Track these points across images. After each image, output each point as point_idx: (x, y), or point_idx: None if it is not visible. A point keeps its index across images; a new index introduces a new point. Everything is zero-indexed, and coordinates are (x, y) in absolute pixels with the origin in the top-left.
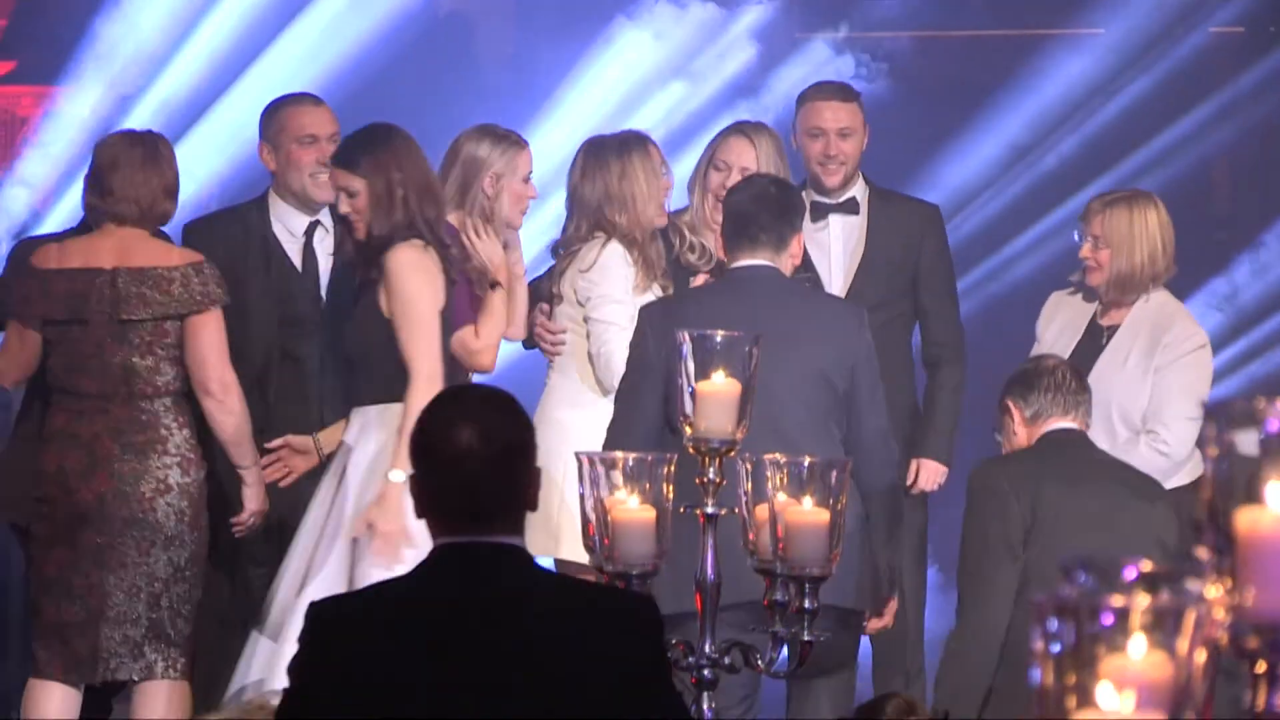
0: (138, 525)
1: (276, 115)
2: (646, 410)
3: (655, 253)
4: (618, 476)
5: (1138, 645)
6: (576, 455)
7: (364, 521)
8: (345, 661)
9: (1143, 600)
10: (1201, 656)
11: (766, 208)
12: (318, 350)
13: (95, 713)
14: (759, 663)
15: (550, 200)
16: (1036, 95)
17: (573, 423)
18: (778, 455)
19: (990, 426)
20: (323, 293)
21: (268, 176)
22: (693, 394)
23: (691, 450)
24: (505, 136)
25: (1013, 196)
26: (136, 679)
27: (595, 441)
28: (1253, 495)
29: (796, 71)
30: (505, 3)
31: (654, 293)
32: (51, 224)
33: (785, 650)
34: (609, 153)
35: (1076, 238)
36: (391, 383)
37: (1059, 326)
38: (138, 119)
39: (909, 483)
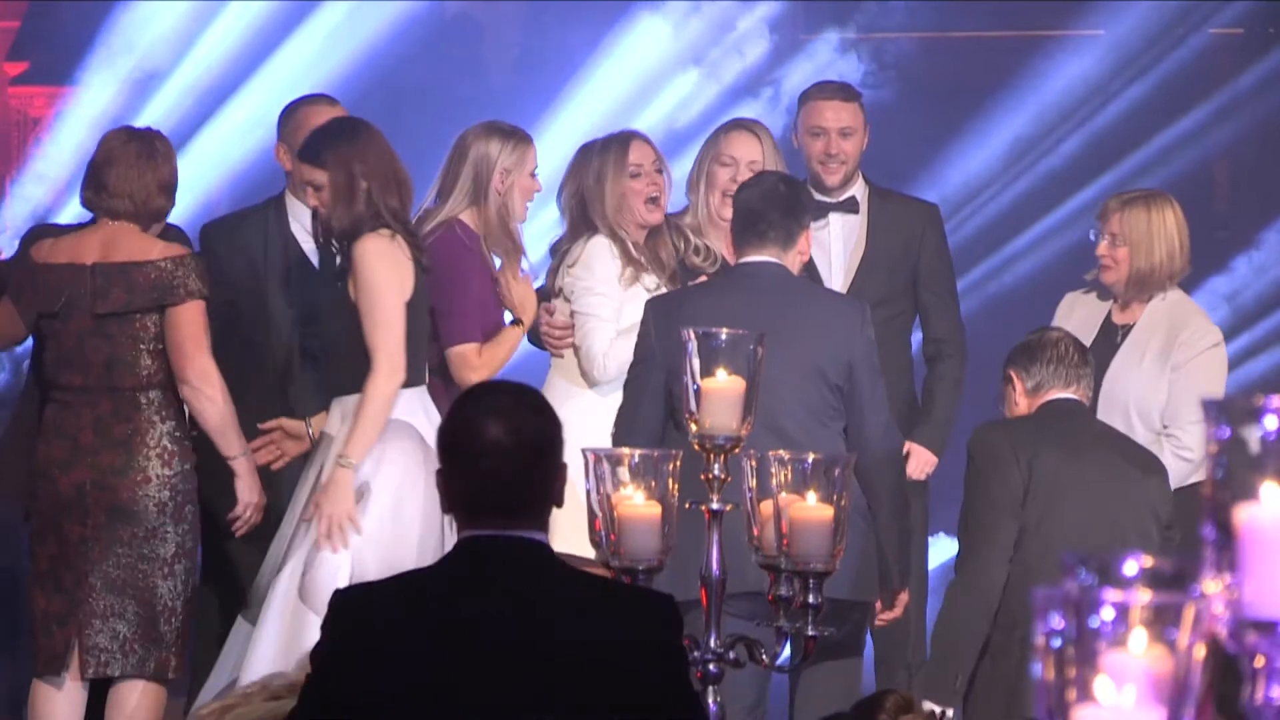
0: (119, 517)
1: (294, 116)
2: (648, 402)
3: (664, 250)
4: (624, 473)
5: (1138, 640)
6: (583, 452)
7: (314, 504)
8: (367, 649)
9: (1143, 595)
10: (1201, 651)
11: (775, 204)
12: None
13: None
14: (763, 657)
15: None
16: (1038, 96)
17: (570, 418)
18: (782, 451)
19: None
20: None
21: (278, 176)
22: (698, 391)
23: (697, 447)
24: (512, 133)
25: (1014, 195)
26: (124, 675)
27: (594, 438)
28: (1252, 492)
29: (801, 72)
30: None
31: (643, 286)
32: (64, 220)
33: (789, 645)
34: (593, 152)
35: (1092, 237)
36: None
37: (1073, 325)
38: (149, 117)
39: None
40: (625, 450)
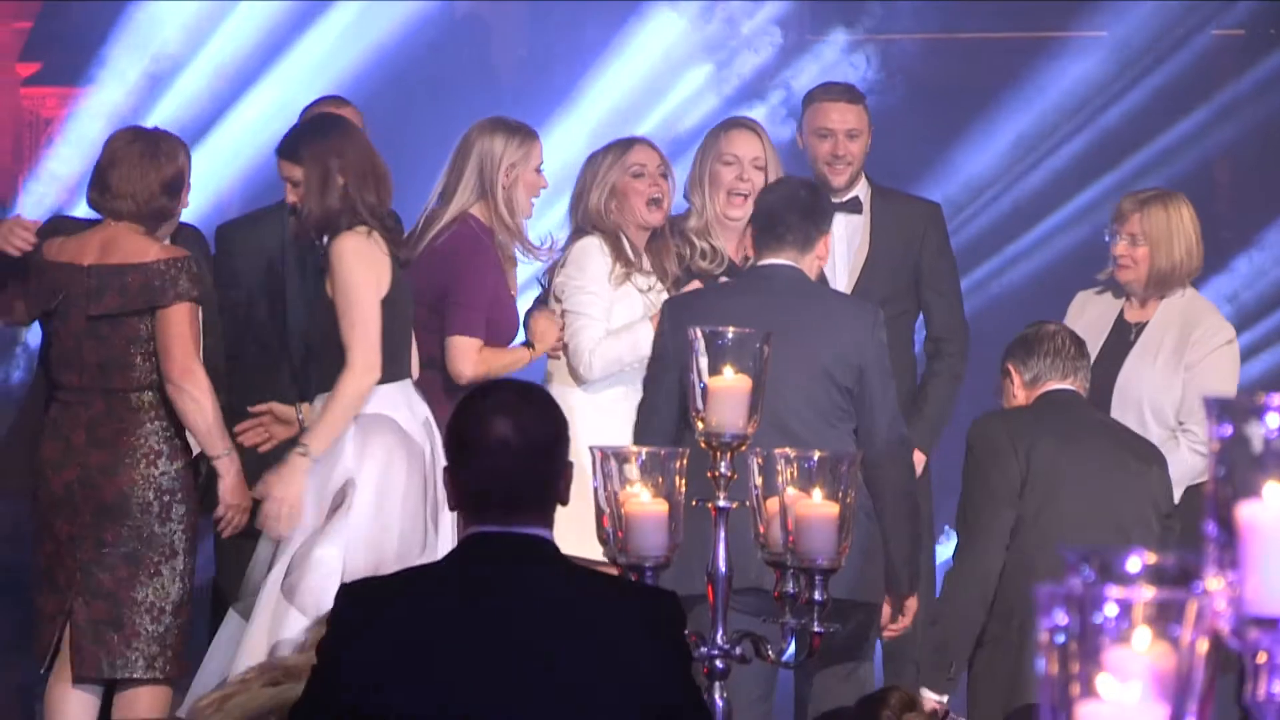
0: (105, 516)
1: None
2: (664, 401)
3: (669, 259)
4: (631, 470)
5: (1141, 637)
6: (591, 449)
7: (265, 484)
8: (372, 643)
9: (1147, 592)
10: (1204, 647)
11: (795, 208)
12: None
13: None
14: (769, 653)
15: (562, 200)
16: (1041, 96)
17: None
18: (788, 449)
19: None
20: None
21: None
22: (704, 389)
23: (703, 444)
24: (517, 129)
25: (1017, 195)
26: (115, 676)
27: (594, 437)
28: (1254, 490)
29: (807, 73)
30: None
31: (634, 285)
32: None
33: (795, 641)
34: (593, 158)
35: (1107, 238)
36: None
37: (1085, 324)
38: (161, 117)
39: None
40: (632, 448)
